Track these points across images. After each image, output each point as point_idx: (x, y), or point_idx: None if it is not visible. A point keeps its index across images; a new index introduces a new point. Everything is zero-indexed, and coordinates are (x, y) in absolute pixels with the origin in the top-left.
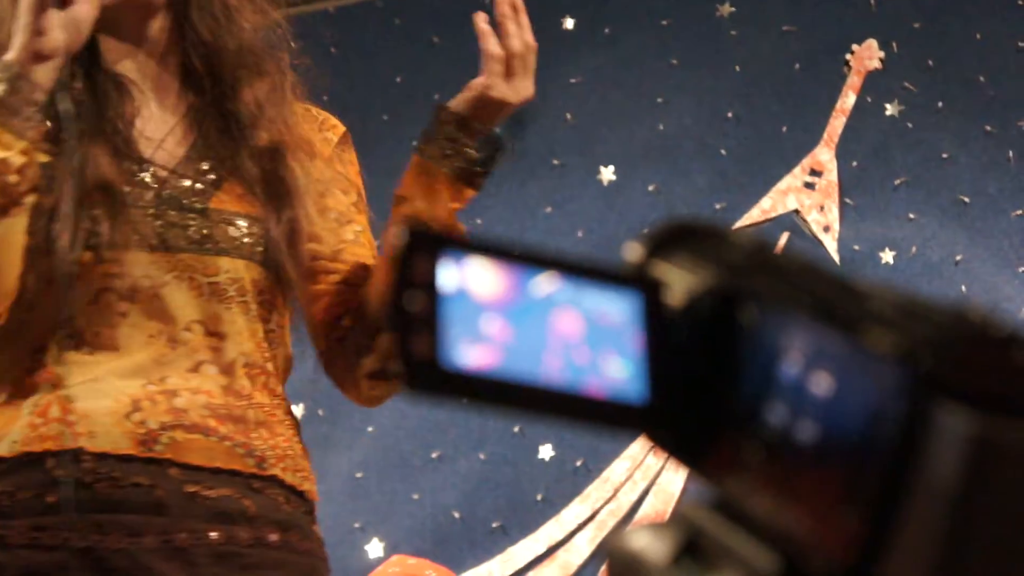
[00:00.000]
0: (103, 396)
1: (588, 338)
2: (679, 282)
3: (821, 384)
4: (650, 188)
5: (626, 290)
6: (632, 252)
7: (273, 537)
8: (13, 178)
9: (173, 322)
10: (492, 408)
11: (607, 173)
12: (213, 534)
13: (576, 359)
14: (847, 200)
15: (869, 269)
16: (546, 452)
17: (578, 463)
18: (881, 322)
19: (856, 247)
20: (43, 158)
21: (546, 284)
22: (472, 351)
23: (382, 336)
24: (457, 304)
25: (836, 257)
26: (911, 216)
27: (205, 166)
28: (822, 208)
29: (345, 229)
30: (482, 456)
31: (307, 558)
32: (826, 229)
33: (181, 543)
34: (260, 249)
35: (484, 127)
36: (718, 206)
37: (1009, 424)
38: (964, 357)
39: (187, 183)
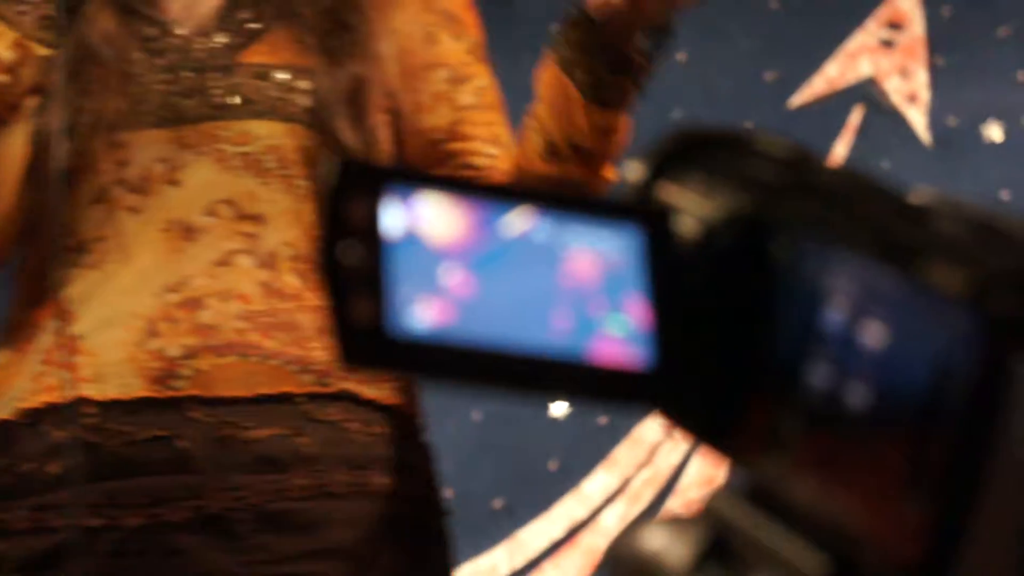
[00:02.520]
0: (111, 323)
1: (577, 288)
2: (693, 209)
3: (874, 335)
4: (679, 58)
5: (624, 223)
6: (632, 172)
7: (341, 479)
8: (3, 78)
9: (191, 206)
10: (454, 382)
11: None
12: (256, 490)
13: (562, 315)
14: (938, 60)
15: (970, 147)
16: (559, 408)
17: (601, 421)
18: (948, 254)
19: (952, 121)
20: (42, 51)
21: (519, 223)
22: (427, 312)
23: None
24: (406, 253)
25: (926, 135)
26: (1021, 77)
27: (246, 15)
28: (905, 72)
29: (461, 90)
30: (477, 416)
31: (398, 503)
32: (911, 99)
33: (216, 509)
34: (308, 107)
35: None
36: (769, 76)
37: None
38: None
39: (221, 40)
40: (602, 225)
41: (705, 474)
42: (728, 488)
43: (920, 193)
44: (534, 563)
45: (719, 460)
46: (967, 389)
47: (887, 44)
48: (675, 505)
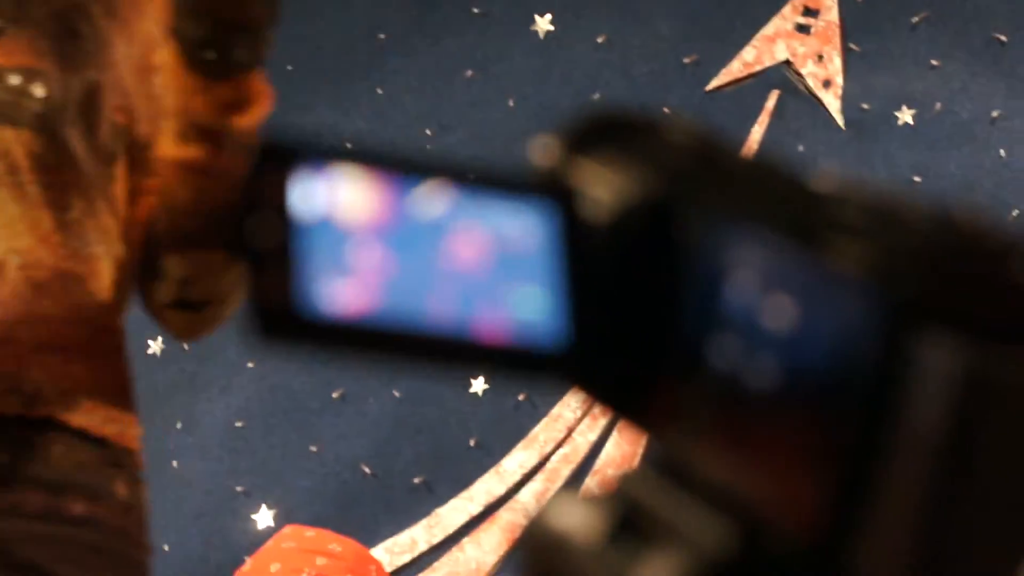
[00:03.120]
0: None
1: (490, 266)
2: (604, 190)
3: (779, 313)
4: (599, 40)
5: (537, 202)
6: (544, 153)
7: (36, 500)
8: None
9: None
10: (368, 360)
11: (543, 23)
12: None
13: (475, 293)
14: (852, 46)
15: (883, 132)
16: (478, 385)
17: (520, 397)
18: (850, 233)
19: (865, 105)
20: None
21: (433, 199)
22: (339, 290)
23: (170, 257)
24: (319, 231)
25: (840, 119)
26: (934, 63)
27: None
28: (820, 57)
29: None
30: (396, 394)
31: (93, 531)
32: (826, 84)
33: None
34: (39, 112)
35: None
36: (687, 60)
37: (1008, 355)
38: (952, 273)
39: None
40: (514, 202)
41: (622, 452)
42: (641, 464)
43: (826, 176)
44: (453, 539)
45: (636, 433)
46: (870, 365)
47: (803, 29)
48: (592, 483)
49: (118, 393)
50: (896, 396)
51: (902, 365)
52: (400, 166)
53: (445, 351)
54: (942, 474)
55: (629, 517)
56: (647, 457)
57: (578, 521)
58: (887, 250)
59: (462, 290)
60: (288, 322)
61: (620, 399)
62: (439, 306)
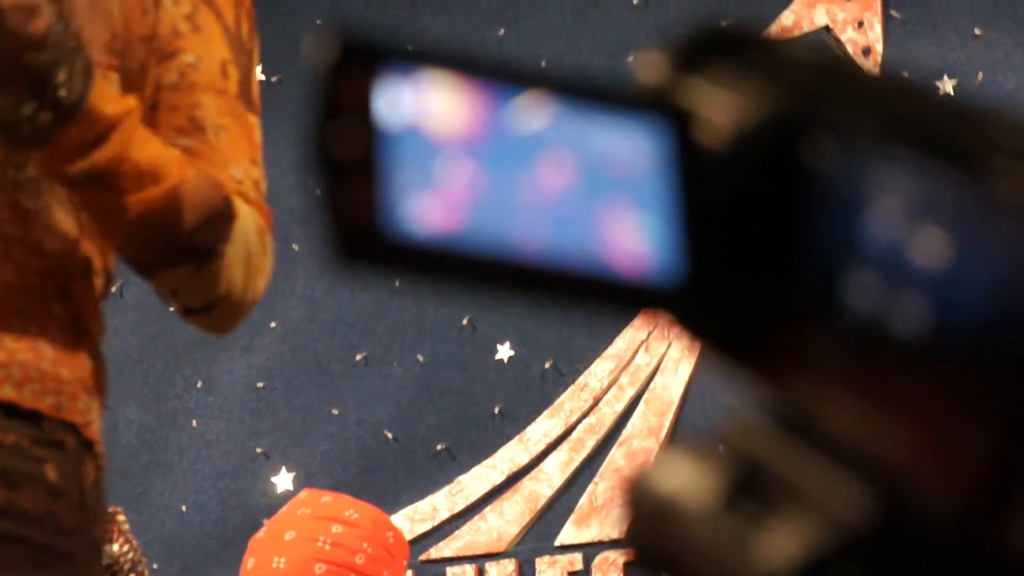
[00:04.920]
0: None
1: (593, 189)
2: (721, 109)
3: (930, 246)
4: (635, 2)
5: (647, 121)
6: (653, 69)
7: None
8: None
9: None
10: (458, 288)
11: None
12: None
13: (574, 219)
14: (893, 12)
15: None
16: (504, 352)
17: (547, 364)
18: (1014, 155)
19: (905, 74)
20: None
21: (532, 112)
22: (425, 208)
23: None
24: (405, 142)
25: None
26: (977, 32)
27: None
28: (860, 24)
29: (165, 67)
30: (421, 358)
31: (3, 521)
32: (866, 51)
33: None
34: None
35: None
36: (724, 23)
37: None
38: None
39: None
40: (621, 120)
41: (648, 424)
42: (760, 417)
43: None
44: (475, 507)
45: (748, 381)
46: None
47: None
48: (618, 455)
49: (65, 365)
50: None
51: None
52: (497, 74)
53: (537, 280)
54: None
55: (748, 478)
56: (767, 410)
57: (689, 482)
58: None
59: (560, 215)
60: (370, 241)
61: (739, 343)
62: (534, 231)
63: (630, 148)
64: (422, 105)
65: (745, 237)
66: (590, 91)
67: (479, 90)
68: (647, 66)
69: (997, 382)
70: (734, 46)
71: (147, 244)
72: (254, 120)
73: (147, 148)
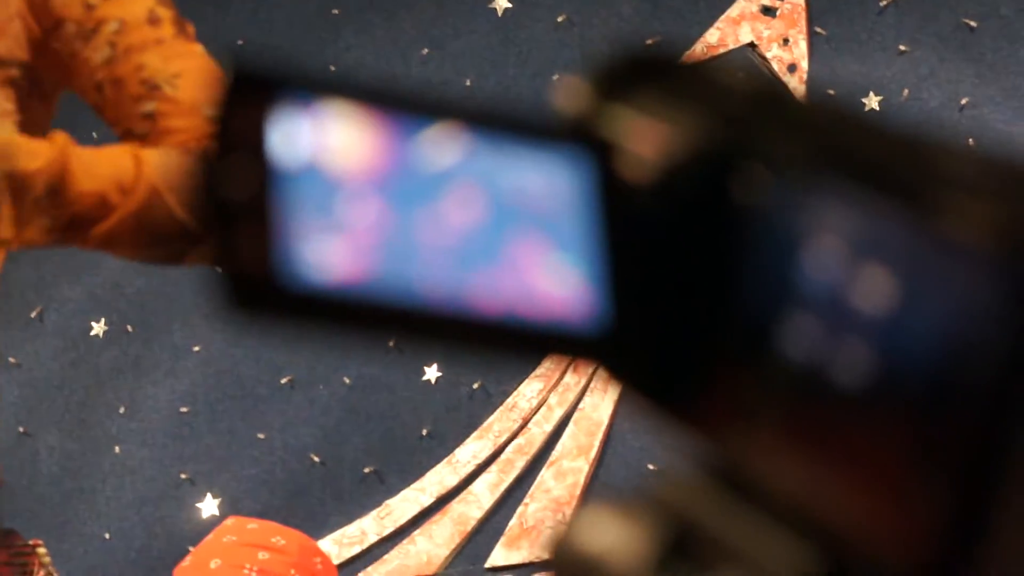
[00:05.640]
0: None
1: (508, 228)
2: (646, 139)
3: (874, 288)
4: (558, 19)
5: (565, 153)
6: (573, 95)
7: None
8: None
9: None
10: (361, 337)
11: (502, 0)
12: None
13: (489, 260)
14: (818, 29)
15: None
16: (432, 373)
17: (474, 386)
18: (967, 190)
19: (831, 91)
20: None
21: (442, 144)
22: (327, 254)
23: None
24: (304, 180)
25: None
26: (902, 48)
27: None
28: (786, 41)
29: (93, 46)
30: (347, 380)
31: None
32: (791, 68)
33: None
34: None
35: None
36: (648, 41)
37: None
38: None
39: None
40: (539, 153)
41: (578, 444)
42: (692, 472)
43: (911, 125)
44: (403, 531)
45: (678, 432)
46: (995, 355)
47: (769, 12)
48: (548, 476)
49: None
50: None
51: None
52: (404, 103)
53: (449, 328)
54: None
55: (681, 538)
56: (700, 464)
57: (618, 541)
58: (1016, 213)
59: (473, 256)
60: (265, 291)
61: (668, 393)
62: (443, 275)
63: (548, 182)
64: (321, 138)
65: (673, 278)
66: (504, 121)
67: (384, 122)
68: (566, 93)
69: (949, 432)
70: (659, 71)
71: (157, 245)
72: (199, 50)
73: (95, 170)
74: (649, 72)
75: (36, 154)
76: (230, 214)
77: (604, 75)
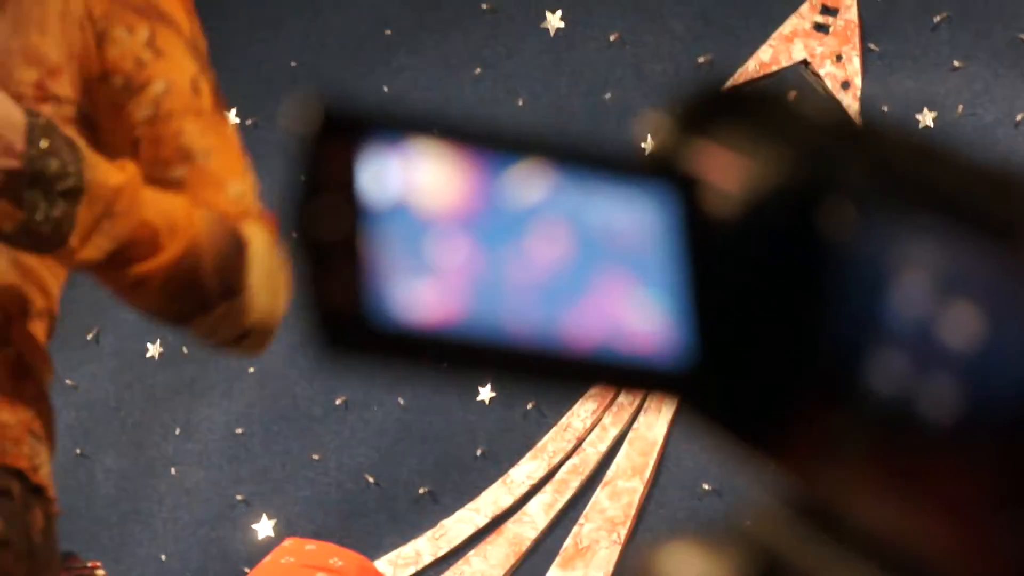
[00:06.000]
0: None
1: (594, 264)
2: (730, 174)
3: (962, 324)
4: (611, 38)
5: (650, 189)
6: (656, 130)
7: None
8: None
9: None
10: (452, 377)
11: (554, 20)
12: None
13: (578, 298)
14: (871, 46)
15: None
16: (486, 393)
17: (528, 406)
18: None
19: (885, 107)
20: None
21: (529, 183)
22: (417, 294)
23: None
24: (393, 220)
25: (858, 121)
26: (956, 64)
27: None
28: (839, 58)
29: (137, 102)
30: (401, 401)
31: None
32: (845, 85)
33: None
34: None
35: None
36: (701, 59)
37: None
38: None
39: None
40: (624, 188)
41: (633, 464)
42: (777, 506)
43: (996, 159)
44: (458, 551)
45: (763, 469)
46: None
47: (821, 29)
48: (603, 496)
49: (8, 410)
50: None
51: None
52: (491, 142)
53: (537, 366)
54: None
55: (767, 572)
56: (788, 500)
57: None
58: None
59: (559, 292)
60: (356, 331)
61: (755, 429)
62: (531, 312)
63: (633, 218)
64: (410, 178)
65: (759, 313)
66: (589, 158)
67: (471, 160)
68: (649, 128)
69: None
70: (740, 105)
71: (176, 300)
72: (230, 129)
73: (158, 205)
74: (731, 106)
75: (115, 172)
76: (322, 254)
77: (686, 110)
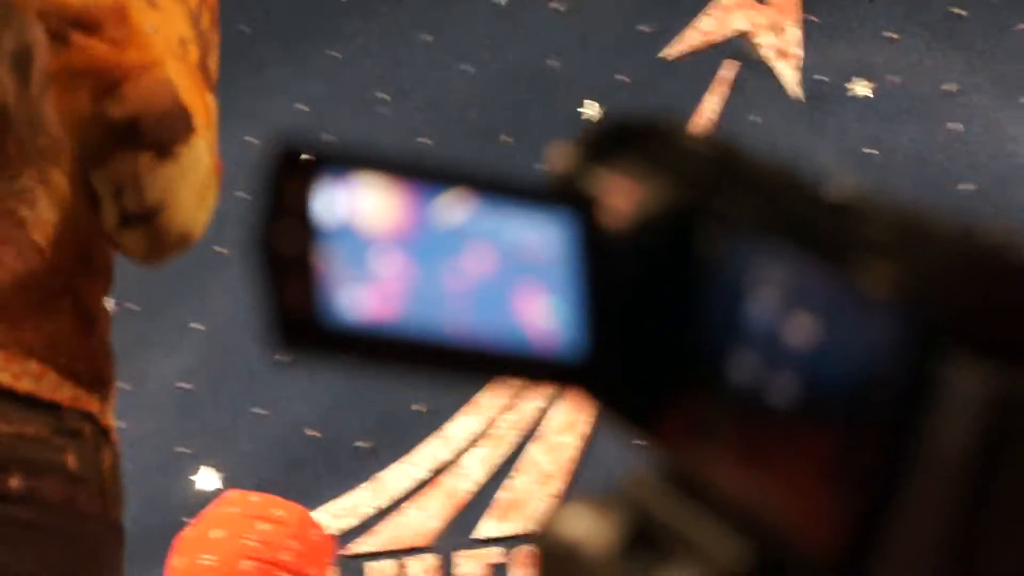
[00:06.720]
0: None
1: (510, 275)
2: (624, 198)
3: (802, 330)
4: (557, 7)
5: (555, 211)
6: (561, 159)
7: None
8: None
9: None
10: (390, 370)
11: None
12: None
13: (493, 303)
14: (810, 17)
15: (838, 105)
16: None
17: None
18: (875, 251)
19: (822, 77)
20: None
21: (454, 208)
22: (361, 299)
23: (93, 173)
24: (341, 239)
25: (798, 91)
26: (891, 36)
27: None
28: (778, 28)
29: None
30: None
31: (40, 510)
32: (783, 55)
33: None
34: None
35: None
36: (644, 28)
37: None
38: (979, 295)
39: None
40: (534, 211)
41: (568, 419)
42: (653, 474)
43: (843, 186)
44: (397, 503)
45: (646, 444)
46: (894, 387)
47: (761, 0)
48: (538, 450)
49: (79, 357)
50: (921, 418)
51: (927, 387)
52: (422, 175)
53: (463, 361)
54: (966, 498)
55: (643, 528)
56: (659, 468)
57: (590, 530)
58: (913, 270)
59: (480, 300)
60: (309, 331)
61: (638, 411)
62: (458, 315)
63: (542, 236)
64: (355, 204)
65: (644, 316)
66: (506, 185)
67: (406, 189)
68: (557, 157)
69: (858, 448)
70: (638, 137)
71: (124, 116)
72: (211, 99)
73: (144, 18)
74: (630, 138)
75: None
76: (280, 268)
77: (591, 140)
